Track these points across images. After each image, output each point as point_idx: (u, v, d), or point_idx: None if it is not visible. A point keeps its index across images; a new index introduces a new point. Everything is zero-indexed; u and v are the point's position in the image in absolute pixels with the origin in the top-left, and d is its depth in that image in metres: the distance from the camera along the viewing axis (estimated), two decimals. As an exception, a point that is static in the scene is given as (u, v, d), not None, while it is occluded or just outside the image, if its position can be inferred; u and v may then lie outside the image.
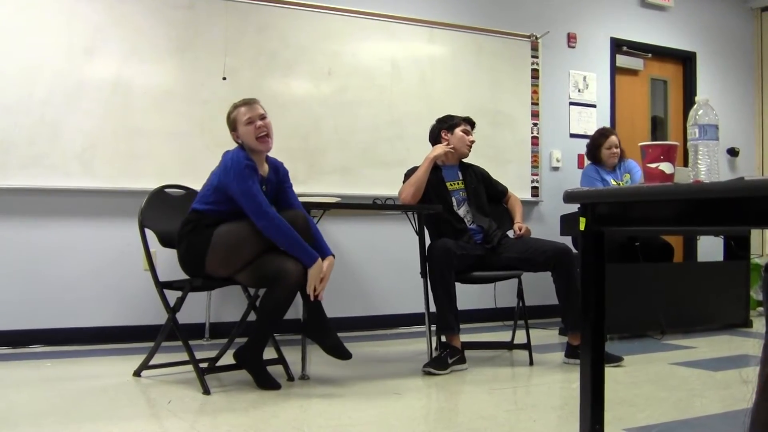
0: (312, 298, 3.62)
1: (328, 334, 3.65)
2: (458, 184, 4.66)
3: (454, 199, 4.59)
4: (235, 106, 3.81)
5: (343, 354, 3.64)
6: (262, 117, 3.77)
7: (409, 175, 4.59)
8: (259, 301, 3.74)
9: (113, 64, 4.90)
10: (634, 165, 5.73)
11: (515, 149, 6.37)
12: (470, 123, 4.72)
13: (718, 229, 5.44)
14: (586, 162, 6.57)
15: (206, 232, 3.62)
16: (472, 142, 4.68)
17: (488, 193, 4.78)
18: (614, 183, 5.61)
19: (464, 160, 4.75)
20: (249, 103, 3.80)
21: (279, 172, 3.95)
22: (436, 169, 4.59)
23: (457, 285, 4.28)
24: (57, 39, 4.76)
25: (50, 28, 4.74)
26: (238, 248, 3.60)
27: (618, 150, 5.69)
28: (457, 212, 4.56)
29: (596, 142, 5.78)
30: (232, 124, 3.80)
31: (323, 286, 3.66)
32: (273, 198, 3.83)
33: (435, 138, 4.69)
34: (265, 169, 3.85)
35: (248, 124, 3.73)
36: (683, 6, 7.50)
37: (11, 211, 4.69)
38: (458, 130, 4.64)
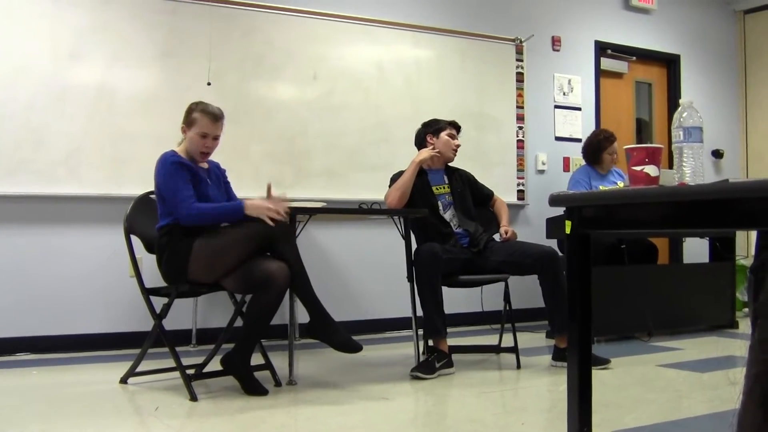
0: (284, 216, 3.63)
1: (335, 330, 3.64)
2: (444, 188, 4.66)
3: (440, 203, 4.59)
4: (203, 112, 3.81)
5: (354, 348, 3.65)
6: (216, 138, 3.87)
7: (394, 179, 4.59)
8: (246, 306, 3.72)
9: (98, 69, 4.88)
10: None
11: (501, 152, 6.38)
12: (456, 127, 4.72)
13: (704, 231, 5.47)
14: (574, 165, 6.61)
15: (186, 240, 3.63)
16: (458, 146, 4.68)
17: (474, 196, 4.78)
18: (603, 189, 5.60)
19: (450, 164, 4.76)
20: (214, 119, 3.83)
21: (219, 169, 4.08)
22: (421, 174, 4.59)
23: (444, 289, 4.28)
24: (41, 44, 4.73)
25: (34, 34, 4.72)
26: (221, 256, 3.60)
27: (616, 155, 5.72)
28: (443, 216, 4.56)
29: (600, 145, 5.74)
30: (189, 122, 3.83)
31: (281, 206, 3.63)
32: (220, 187, 3.97)
33: (421, 142, 4.69)
34: (205, 165, 3.96)
35: (202, 136, 3.79)
36: (667, 9, 7.54)
37: (-5, 218, 4.67)
38: (443, 134, 4.64)
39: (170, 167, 3.67)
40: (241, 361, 3.60)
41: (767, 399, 0.70)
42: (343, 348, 3.65)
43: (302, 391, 3.73)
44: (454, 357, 4.27)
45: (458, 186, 4.70)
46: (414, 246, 4.41)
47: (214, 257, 3.60)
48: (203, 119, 3.79)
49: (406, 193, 4.48)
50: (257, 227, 3.60)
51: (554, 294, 4.29)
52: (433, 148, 4.60)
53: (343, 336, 3.64)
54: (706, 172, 2.05)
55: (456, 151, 4.68)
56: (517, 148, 6.48)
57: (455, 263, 4.39)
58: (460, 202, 4.65)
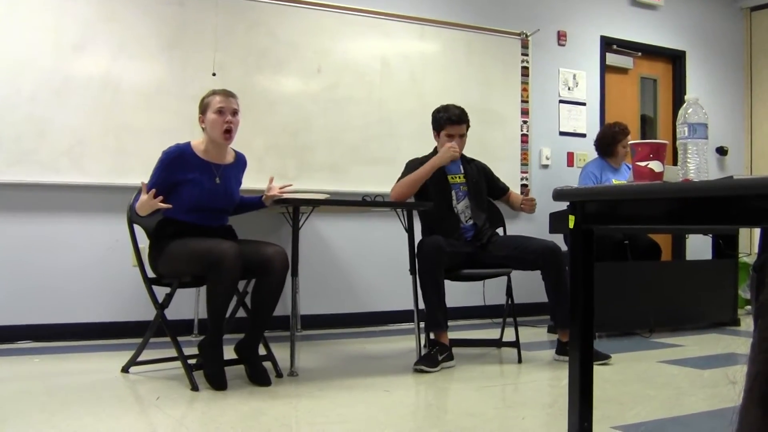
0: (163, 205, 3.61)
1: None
2: (460, 177, 4.62)
3: (454, 193, 4.56)
4: (213, 92, 3.86)
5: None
6: (234, 112, 3.84)
7: (410, 166, 4.56)
8: (251, 293, 3.76)
9: (102, 61, 4.88)
10: None
11: (505, 147, 6.37)
12: (455, 122, 4.53)
13: (707, 228, 5.46)
14: (578, 160, 6.61)
15: (165, 240, 3.70)
16: (455, 146, 4.49)
17: (489, 188, 4.76)
18: (616, 183, 5.58)
19: (465, 154, 4.70)
20: (227, 94, 3.85)
21: (240, 163, 4.06)
22: None
23: (446, 282, 4.28)
24: (45, 35, 4.73)
25: (38, 25, 4.71)
26: (177, 265, 3.67)
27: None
28: (454, 207, 4.54)
29: (615, 137, 5.74)
30: (203, 108, 3.84)
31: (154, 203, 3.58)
32: (229, 188, 3.91)
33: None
34: (227, 158, 3.95)
35: (218, 113, 3.78)
36: (673, 5, 7.52)
37: (-1, 206, 4.68)
38: (442, 135, 4.55)
39: (158, 162, 3.73)
40: (249, 346, 3.69)
41: (766, 398, 0.71)
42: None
43: (303, 383, 3.73)
44: (456, 350, 4.27)
45: (474, 176, 4.67)
46: (417, 237, 4.40)
47: (173, 264, 3.68)
48: (215, 97, 3.82)
49: (413, 189, 4.46)
50: (205, 247, 3.57)
51: (557, 289, 4.29)
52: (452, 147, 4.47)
53: (215, 369, 3.56)
54: (710, 169, 2.04)
55: (458, 150, 4.54)
56: (521, 143, 6.47)
57: (458, 257, 4.38)
58: (474, 192, 4.62)
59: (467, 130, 4.61)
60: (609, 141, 5.79)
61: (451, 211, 4.54)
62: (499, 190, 4.85)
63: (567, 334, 4.27)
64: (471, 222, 4.55)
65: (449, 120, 4.54)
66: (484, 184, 4.74)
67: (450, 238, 4.39)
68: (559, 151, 6.76)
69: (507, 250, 4.44)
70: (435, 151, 4.61)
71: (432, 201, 4.47)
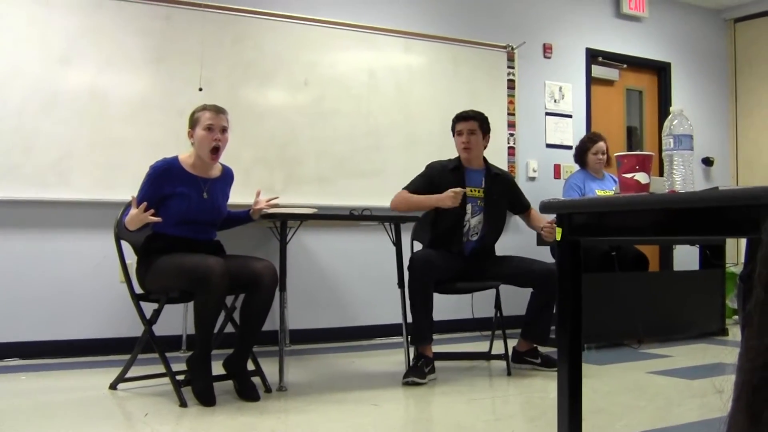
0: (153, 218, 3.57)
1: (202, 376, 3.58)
2: (478, 191, 4.53)
3: (469, 206, 4.47)
4: (203, 108, 3.85)
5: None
6: (223, 130, 3.84)
7: (428, 172, 4.55)
8: (240, 309, 3.75)
9: (89, 74, 4.87)
10: None
11: (492, 159, 6.27)
12: (462, 117, 4.55)
13: (694, 239, 5.47)
14: (565, 172, 6.63)
15: (153, 255, 3.69)
16: (465, 142, 4.49)
17: (511, 203, 4.71)
18: (600, 193, 5.60)
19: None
20: (217, 111, 3.85)
21: (227, 177, 4.05)
22: (459, 169, 4.53)
23: (435, 295, 4.29)
24: (32, 48, 4.71)
25: (25, 38, 4.70)
26: (166, 280, 3.65)
27: (605, 156, 5.72)
28: (466, 221, 4.47)
29: (584, 146, 5.81)
30: (193, 123, 3.84)
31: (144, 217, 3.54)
32: (216, 202, 3.90)
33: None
34: (214, 172, 3.94)
35: (208, 130, 3.78)
36: (658, 17, 7.57)
37: (-15, 222, 4.65)
38: (455, 137, 4.57)
39: (146, 177, 3.72)
40: (238, 362, 3.69)
41: (753, 407, 0.71)
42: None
43: (292, 398, 3.72)
44: (445, 364, 4.28)
45: (495, 193, 4.55)
46: (405, 251, 4.40)
47: (161, 279, 3.66)
48: (205, 113, 3.81)
49: (410, 211, 4.47)
50: (192, 262, 3.57)
51: (544, 307, 4.33)
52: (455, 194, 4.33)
53: (204, 384, 3.54)
54: (696, 180, 2.06)
55: (466, 148, 4.50)
56: (508, 155, 6.48)
57: (449, 272, 4.37)
58: (491, 211, 4.53)
59: (481, 129, 4.53)
60: (580, 151, 5.86)
61: (460, 223, 4.47)
62: (520, 206, 4.76)
63: (526, 346, 4.49)
64: (476, 237, 4.53)
65: (457, 117, 4.58)
66: (506, 202, 4.66)
67: (449, 251, 4.39)
68: (546, 163, 6.77)
69: (505, 268, 4.43)
70: (458, 158, 4.58)
71: (445, 211, 4.40)
